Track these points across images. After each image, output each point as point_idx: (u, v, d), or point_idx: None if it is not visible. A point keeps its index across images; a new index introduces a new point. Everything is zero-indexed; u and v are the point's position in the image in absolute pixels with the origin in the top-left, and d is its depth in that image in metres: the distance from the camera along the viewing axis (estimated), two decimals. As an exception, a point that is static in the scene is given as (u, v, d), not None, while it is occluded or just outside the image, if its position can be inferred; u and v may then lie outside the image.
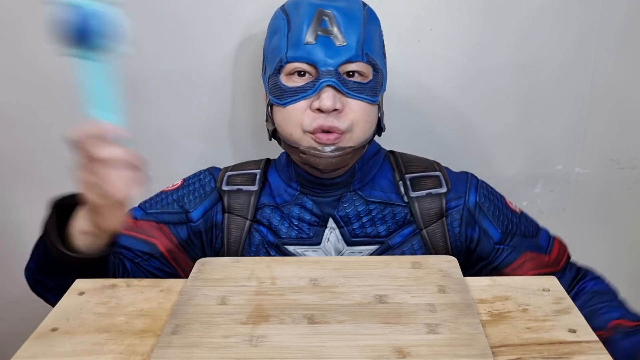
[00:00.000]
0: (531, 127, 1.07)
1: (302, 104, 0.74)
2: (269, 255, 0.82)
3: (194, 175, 0.88)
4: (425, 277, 0.60)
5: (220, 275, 0.61)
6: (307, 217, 0.82)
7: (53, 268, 0.69)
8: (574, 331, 0.52)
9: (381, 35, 0.82)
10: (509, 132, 1.08)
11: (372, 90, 0.76)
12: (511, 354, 0.49)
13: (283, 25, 0.77)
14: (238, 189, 0.84)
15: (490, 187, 0.86)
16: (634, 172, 1.09)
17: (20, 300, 1.17)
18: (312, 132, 0.74)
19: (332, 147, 0.74)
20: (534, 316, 0.54)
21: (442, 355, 0.48)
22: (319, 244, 0.81)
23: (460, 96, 1.05)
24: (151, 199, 0.86)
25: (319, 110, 0.73)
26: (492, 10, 1.00)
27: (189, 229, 0.83)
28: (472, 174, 0.85)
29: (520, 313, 0.55)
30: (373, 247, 0.81)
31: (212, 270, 0.62)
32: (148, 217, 0.83)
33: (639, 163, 1.09)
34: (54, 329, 0.54)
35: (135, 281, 0.62)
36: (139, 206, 0.85)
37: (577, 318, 0.54)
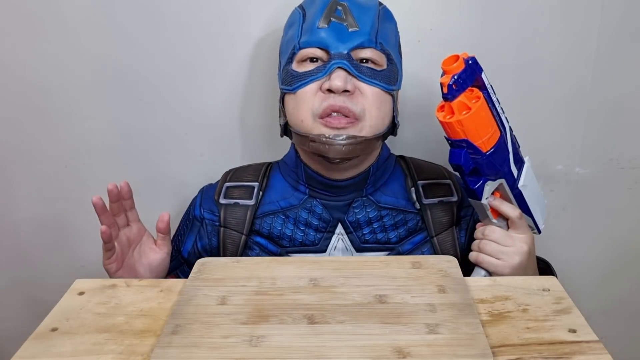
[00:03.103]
0: (531, 127, 1.07)
1: (313, 86, 0.72)
2: None
3: (189, 205, 0.88)
4: (425, 277, 0.60)
5: (220, 275, 0.61)
6: (315, 223, 0.80)
7: None
8: (574, 331, 0.52)
9: (397, 35, 0.81)
10: (509, 132, 1.07)
11: (387, 78, 0.74)
12: (511, 354, 0.49)
13: (299, 18, 0.77)
14: (235, 203, 0.83)
15: None
16: (634, 172, 1.09)
17: (20, 300, 1.17)
18: (322, 116, 0.72)
19: (343, 136, 0.71)
20: (534, 316, 0.54)
21: (442, 355, 0.48)
22: (324, 251, 0.80)
23: (460, 96, 1.05)
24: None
25: (330, 90, 0.71)
26: (492, 10, 1.00)
27: (185, 266, 0.85)
28: None
29: (520, 313, 0.55)
30: (383, 254, 0.80)
31: (212, 270, 0.62)
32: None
33: (639, 163, 1.09)
34: (54, 329, 0.54)
35: (135, 281, 0.62)
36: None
37: (577, 318, 0.54)
